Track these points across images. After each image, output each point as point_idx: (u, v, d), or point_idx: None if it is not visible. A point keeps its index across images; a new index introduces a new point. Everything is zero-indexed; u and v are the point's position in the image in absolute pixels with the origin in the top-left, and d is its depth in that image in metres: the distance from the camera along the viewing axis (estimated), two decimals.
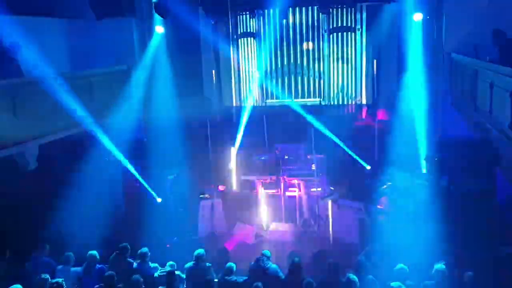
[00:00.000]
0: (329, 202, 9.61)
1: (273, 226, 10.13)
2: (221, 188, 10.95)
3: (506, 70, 6.75)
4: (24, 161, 8.89)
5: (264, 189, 10.36)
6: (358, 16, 13.11)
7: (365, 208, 9.05)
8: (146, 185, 10.58)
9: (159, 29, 11.87)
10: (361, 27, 13.16)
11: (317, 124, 11.52)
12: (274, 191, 10.57)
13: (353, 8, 13.04)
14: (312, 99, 13.73)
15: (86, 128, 9.39)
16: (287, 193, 10.42)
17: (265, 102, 13.98)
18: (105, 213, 9.22)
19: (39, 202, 8.98)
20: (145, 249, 7.34)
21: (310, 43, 13.49)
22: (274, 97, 13.98)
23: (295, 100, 13.71)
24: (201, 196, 10.36)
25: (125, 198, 10.99)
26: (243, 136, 12.28)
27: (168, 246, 8.91)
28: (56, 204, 9.15)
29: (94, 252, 7.33)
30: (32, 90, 8.28)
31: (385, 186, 10.15)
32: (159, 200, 10.59)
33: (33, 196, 9.17)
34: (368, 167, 11.23)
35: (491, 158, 8.61)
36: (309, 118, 11.65)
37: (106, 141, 9.77)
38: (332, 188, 10.57)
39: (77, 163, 9.38)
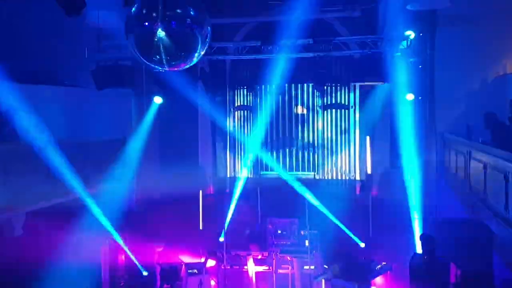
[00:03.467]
0: (323, 282, 9.31)
1: None
2: (210, 263, 10.63)
3: (499, 152, 6.81)
4: (10, 228, 8.68)
5: (255, 265, 10.06)
6: (352, 94, 13.48)
7: None
8: (132, 257, 10.31)
9: (157, 99, 12.07)
10: (355, 104, 13.50)
11: (311, 198, 11.44)
12: (265, 267, 10.25)
13: (346, 87, 13.44)
14: (306, 173, 13.78)
15: (76, 197, 9.25)
16: (279, 271, 10.11)
17: (260, 174, 13.99)
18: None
19: (21, 270, 8.65)
20: None
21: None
22: (269, 170, 14.02)
23: (290, 173, 13.74)
24: (189, 271, 10.03)
25: (110, 269, 10.64)
26: (236, 208, 12.13)
27: None
28: (39, 273, 8.81)
29: None
30: (25, 155, 8.24)
31: (379, 266, 9.89)
32: (145, 273, 10.31)
33: (16, 264, 8.86)
34: (362, 245, 11.02)
35: (487, 240, 8.48)
36: (303, 192, 11.59)
37: (95, 210, 9.61)
38: (325, 266, 10.28)
39: (64, 233, 9.15)
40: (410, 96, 11.43)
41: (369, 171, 13.23)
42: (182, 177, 12.30)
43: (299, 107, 13.73)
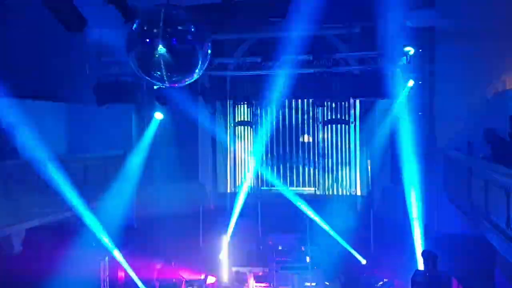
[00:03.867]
0: None
1: None
2: (210, 280, 10.54)
3: (500, 168, 6.79)
4: (9, 245, 8.62)
5: (256, 282, 9.98)
6: (352, 109, 13.51)
7: None
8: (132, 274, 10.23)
9: (158, 115, 12.09)
10: (355, 120, 13.53)
11: (312, 214, 11.40)
12: (266, 284, 10.18)
13: (347, 102, 13.47)
14: (307, 188, 13.74)
15: (76, 213, 9.22)
16: (280, 287, 10.03)
17: (260, 190, 13.95)
18: None
19: None
20: None
21: (306, 136, 13.77)
22: (269, 185, 13.98)
23: (290, 188, 13.70)
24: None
25: (109, 286, 10.54)
26: (236, 224, 12.07)
27: None
28: None
29: None
30: (26, 172, 8.23)
31: (381, 283, 9.81)
32: None
33: (15, 281, 8.79)
34: (364, 261, 10.94)
35: (489, 256, 8.42)
36: (304, 208, 11.56)
37: (95, 226, 9.56)
38: (327, 283, 10.20)
39: (64, 249, 9.09)
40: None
41: (370, 187, 13.18)
42: (182, 193, 12.27)
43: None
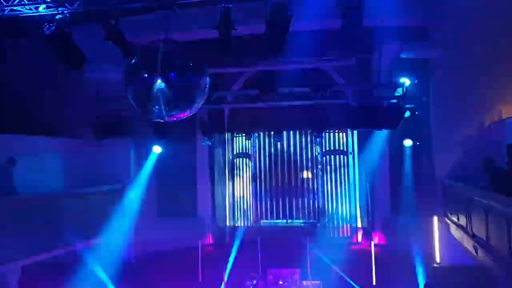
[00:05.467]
0: None
1: None
2: None
3: (500, 198, 6.76)
4: (4, 283, 8.47)
5: None
6: (350, 140, 13.55)
7: None
8: None
9: (157, 149, 12.09)
10: (353, 150, 13.54)
11: (312, 247, 11.27)
12: None
13: (345, 133, 13.54)
14: (307, 221, 13.61)
15: (74, 249, 9.11)
16: None
17: (259, 223, 13.82)
18: None
19: None
20: None
21: (305, 172, 13.77)
22: (269, 218, 13.86)
23: (290, 221, 13.58)
24: None
25: None
26: (236, 258, 11.90)
27: None
28: None
29: None
30: (23, 208, 8.16)
31: None
32: None
33: None
34: None
35: (491, 287, 8.29)
36: (304, 240, 11.42)
37: (93, 263, 9.43)
38: None
39: (61, 287, 8.93)
40: (408, 142, 11.46)
41: (370, 218, 13.07)
42: (180, 227, 12.15)
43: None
